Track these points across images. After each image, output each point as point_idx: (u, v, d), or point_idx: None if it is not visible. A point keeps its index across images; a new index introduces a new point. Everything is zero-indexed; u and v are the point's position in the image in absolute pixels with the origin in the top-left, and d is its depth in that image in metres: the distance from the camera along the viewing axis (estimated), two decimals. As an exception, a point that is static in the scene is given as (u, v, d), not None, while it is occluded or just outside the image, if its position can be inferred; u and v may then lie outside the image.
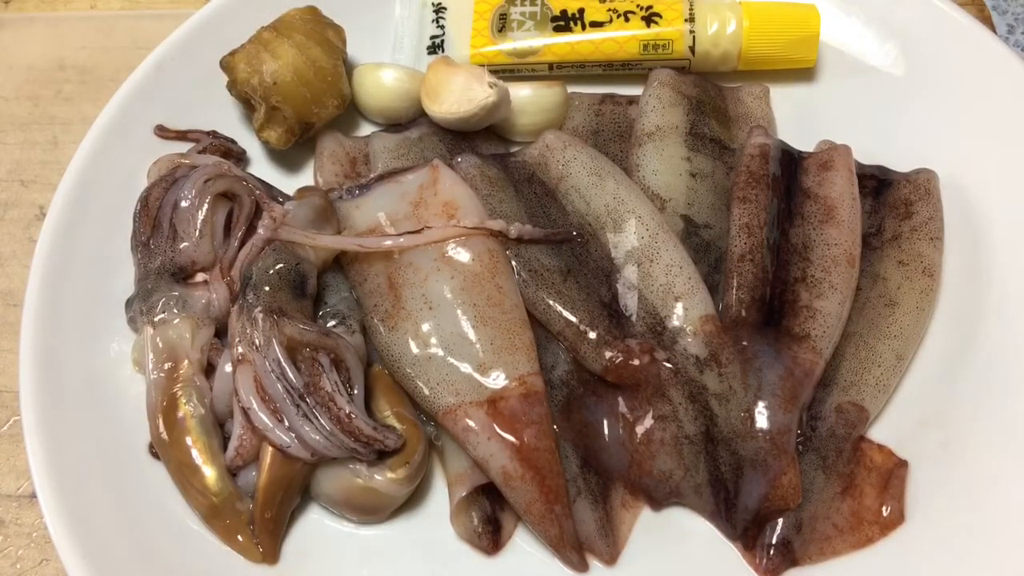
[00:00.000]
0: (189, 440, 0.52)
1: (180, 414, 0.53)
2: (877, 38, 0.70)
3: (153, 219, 0.58)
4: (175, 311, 0.55)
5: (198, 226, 0.57)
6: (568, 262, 0.58)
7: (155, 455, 0.54)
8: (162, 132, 0.64)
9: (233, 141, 0.65)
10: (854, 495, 0.53)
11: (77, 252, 0.59)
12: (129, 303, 0.56)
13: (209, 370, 0.54)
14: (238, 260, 0.56)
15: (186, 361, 0.54)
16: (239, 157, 0.65)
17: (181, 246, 0.57)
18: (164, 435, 0.52)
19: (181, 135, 0.64)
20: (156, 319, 0.55)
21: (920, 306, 0.58)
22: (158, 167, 0.61)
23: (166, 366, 0.54)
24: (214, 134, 0.65)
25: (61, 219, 0.60)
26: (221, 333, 0.55)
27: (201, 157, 0.62)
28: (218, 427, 0.53)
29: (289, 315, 0.53)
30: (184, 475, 0.52)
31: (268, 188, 0.61)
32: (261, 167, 0.66)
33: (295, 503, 0.53)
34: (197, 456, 0.52)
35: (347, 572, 0.53)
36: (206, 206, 0.57)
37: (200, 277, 0.57)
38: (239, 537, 0.52)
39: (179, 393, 0.53)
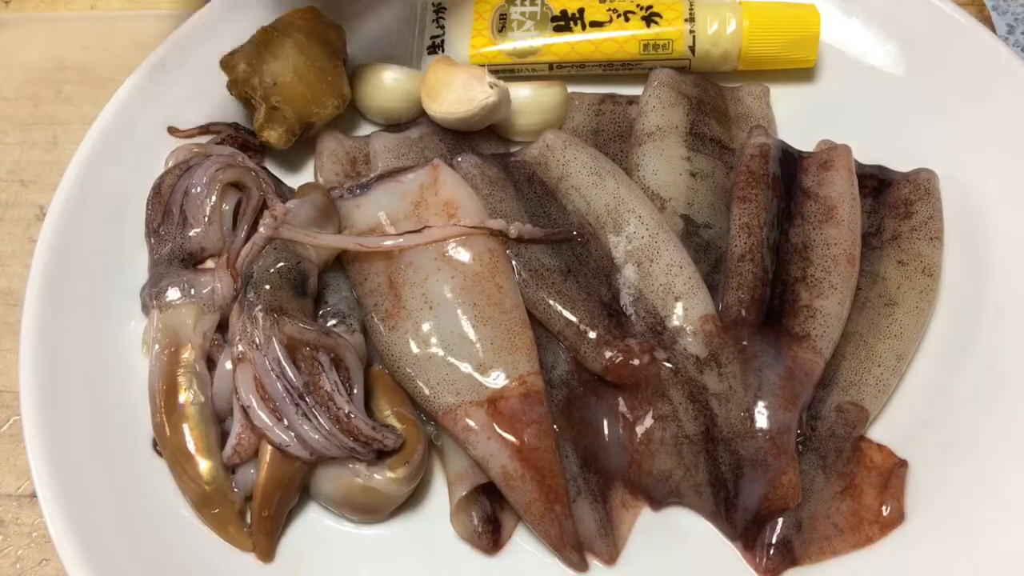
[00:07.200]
0: (186, 427, 0.52)
1: (180, 400, 0.53)
2: (877, 38, 0.70)
3: (164, 206, 0.58)
4: (181, 296, 0.55)
5: (207, 212, 0.57)
6: (568, 262, 0.58)
7: (159, 452, 0.54)
8: (176, 132, 0.64)
9: (253, 134, 0.65)
10: (854, 495, 0.53)
11: (77, 252, 0.59)
12: (142, 289, 0.57)
13: (210, 365, 0.54)
14: (242, 254, 0.56)
15: (188, 345, 0.54)
16: (256, 150, 0.65)
17: (190, 232, 0.57)
18: (163, 419, 0.53)
19: (203, 129, 0.64)
20: (163, 302, 0.55)
21: (920, 306, 0.58)
22: (175, 156, 0.62)
23: (169, 350, 0.54)
24: (236, 126, 0.65)
25: (61, 219, 0.60)
26: (224, 326, 0.56)
27: (217, 148, 0.62)
28: (217, 418, 0.53)
29: (289, 314, 0.53)
30: (179, 461, 0.52)
31: (277, 183, 0.61)
32: (261, 167, 0.66)
33: (293, 502, 0.53)
34: (193, 443, 0.52)
35: (347, 572, 0.53)
36: (215, 194, 0.57)
37: (210, 264, 0.57)
38: (228, 527, 0.52)
39: (180, 379, 0.53)
